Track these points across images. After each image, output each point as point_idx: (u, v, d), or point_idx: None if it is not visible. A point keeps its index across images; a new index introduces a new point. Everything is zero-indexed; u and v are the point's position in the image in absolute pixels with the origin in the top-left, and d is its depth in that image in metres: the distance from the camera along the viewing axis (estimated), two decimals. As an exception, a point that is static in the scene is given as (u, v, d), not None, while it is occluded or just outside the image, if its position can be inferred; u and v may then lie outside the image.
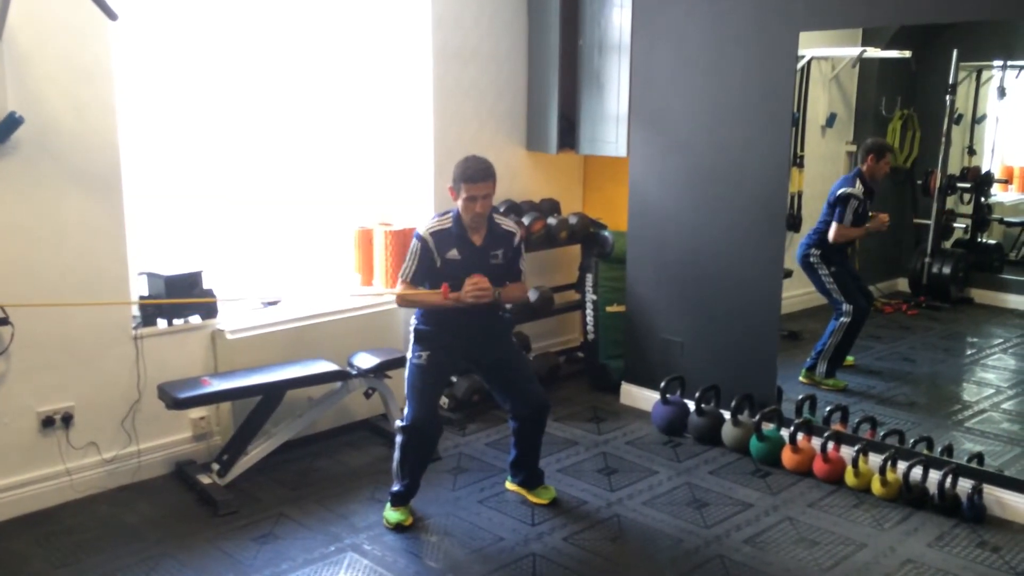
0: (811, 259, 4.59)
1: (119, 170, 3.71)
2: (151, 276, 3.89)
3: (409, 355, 3.59)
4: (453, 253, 3.45)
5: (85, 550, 3.35)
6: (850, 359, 4.74)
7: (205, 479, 3.82)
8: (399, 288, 3.54)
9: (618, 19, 4.76)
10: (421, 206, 4.86)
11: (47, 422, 3.63)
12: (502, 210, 4.96)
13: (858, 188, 4.46)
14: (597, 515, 3.67)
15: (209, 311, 4.01)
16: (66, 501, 3.70)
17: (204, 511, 3.66)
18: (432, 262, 3.47)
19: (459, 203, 3.42)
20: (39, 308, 3.51)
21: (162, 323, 3.91)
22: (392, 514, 3.55)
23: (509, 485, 3.89)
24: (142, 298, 3.88)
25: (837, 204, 4.49)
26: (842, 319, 4.57)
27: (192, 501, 3.74)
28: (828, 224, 4.52)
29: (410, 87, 4.80)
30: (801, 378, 4.69)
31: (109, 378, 3.78)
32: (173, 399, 3.63)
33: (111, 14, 3.28)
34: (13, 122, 3.30)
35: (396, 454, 3.55)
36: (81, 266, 3.64)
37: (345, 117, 4.68)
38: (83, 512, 3.64)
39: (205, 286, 3.97)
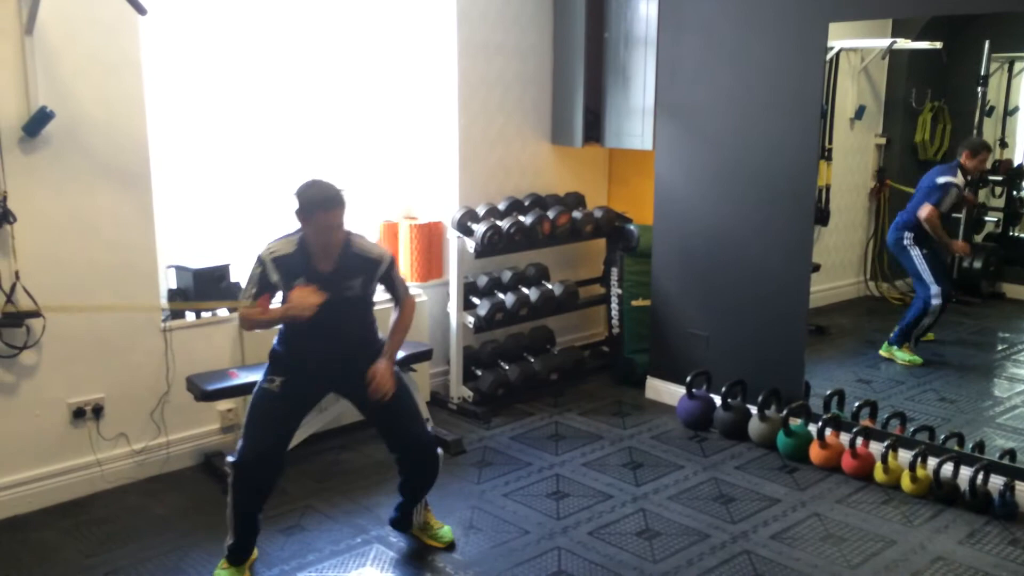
0: (904, 241, 4.64)
1: (148, 163, 3.75)
2: (179, 269, 3.93)
3: (260, 379, 3.11)
4: (301, 282, 2.98)
5: (115, 540, 3.39)
6: (930, 335, 4.80)
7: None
8: (239, 311, 3.06)
9: (644, 11, 4.73)
10: (446, 199, 4.86)
11: (78, 413, 3.68)
12: (502, 208, 4.90)
13: (959, 178, 4.48)
14: (622, 509, 3.66)
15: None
16: (96, 491, 3.75)
17: (232, 502, 3.69)
18: (271, 288, 3.03)
19: (308, 229, 2.97)
20: (71, 302, 3.56)
21: (190, 316, 3.94)
22: (221, 573, 3.07)
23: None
24: (171, 292, 3.92)
25: (937, 190, 4.50)
26: (933, 301, 4.61)
27: (220, 492, 3.75)
28: (919, 207, 4.56)
29: (435, 81, 4.80)
30: (882, 351, 4.80)
31: (139, 370, 3.82)
32: (201, 391, 3.66)
33: (140, 9, 3.31)
34: (44, 116, 3.34)
35: (228, 498, 3.03)
36: (110, 259, 3.68)
37: (371, 111, 4.69)
38: (113, 502, 3.69)
39: (233, 279, 4.00)
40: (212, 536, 3.39)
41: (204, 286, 3.89)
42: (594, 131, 5.14)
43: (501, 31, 4.89)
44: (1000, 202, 4.84)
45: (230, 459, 3.03)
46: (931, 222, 4.51)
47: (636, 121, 4.88)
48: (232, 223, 4.24)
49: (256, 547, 3.18)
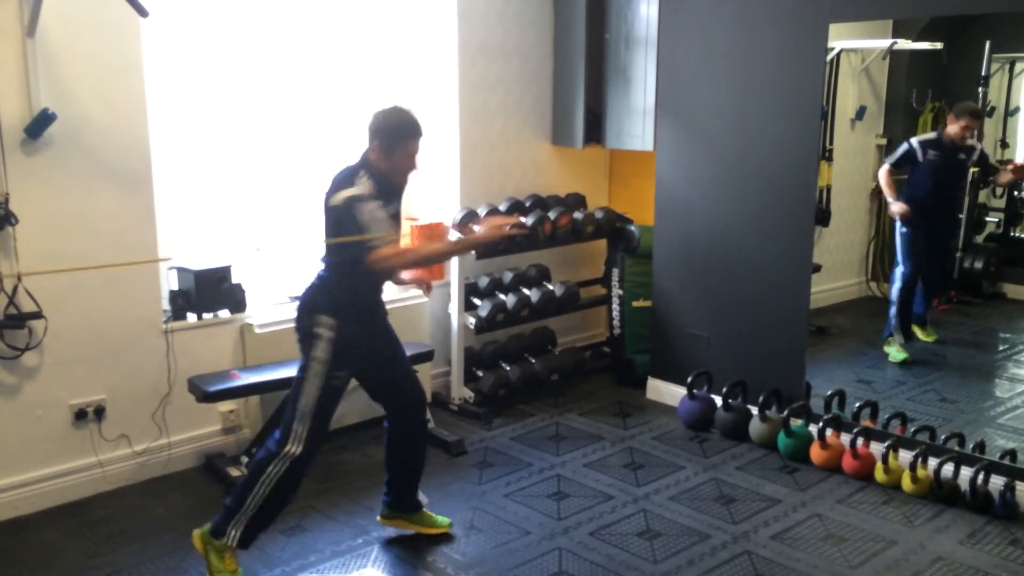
0: (896, 220, 4.66)
1: (150, 165, 3.76)
2: (181, 270, 3.94)
3: (322, 370, 2.98)
4: (392, 208, 2.99)
5: (117, 541, 3.40)
6: (932, 336, 4.77)
7: (234, 472, 3.86)
8: (386, 251, 2.85)
9: (645, 12, 4.73)
10: (447, 200, 4.87)
11: (80, 414, 3.69)
12: (503, 209, 4.92)
13: (923, 137, 4.47)
14: (623, 510, 3.67)
15: (237, 305, 4.05)
16: (98, 492, 3.76)
17: (233, 503, 3.70)
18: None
19: (390, 159, 2.93)
20: (72, 304, 3.57)
21: (192, 317, 3.95)
22: (227, 565, 3.01)
23: (383, 521, 3.46)
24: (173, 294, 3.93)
25: (895, 150, 4.54)
26: (895, 283, 4.61)
27: (221, 493, 3.75)
28: (908, 185, 4.55)
29: (436, 82, 4.81)
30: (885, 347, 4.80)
31: (140, 371, 3.83)
32: (203, 392, 3.67)
33: (142, 11, 3.32)
34: (46, 118, 3.35)
35: (261, 489, 2.94)
36: (112, 260, 3.66)
37: (372, 112, 4.68)
38: (115, 503, 3.70)
39: (234, 280, 4.01)
40: (214, 537, 3.40)
41: (206, 288, 3.90)
42: (595, 132, 5.14)
43: (501, 32, 4.89)
44: (1001, 202, 4.85)
45: (285, 449, 2.93)
46: (882, 178, 4.55)
47: (637, 122, 4.89)
48: (234, 225, 4.24)
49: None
